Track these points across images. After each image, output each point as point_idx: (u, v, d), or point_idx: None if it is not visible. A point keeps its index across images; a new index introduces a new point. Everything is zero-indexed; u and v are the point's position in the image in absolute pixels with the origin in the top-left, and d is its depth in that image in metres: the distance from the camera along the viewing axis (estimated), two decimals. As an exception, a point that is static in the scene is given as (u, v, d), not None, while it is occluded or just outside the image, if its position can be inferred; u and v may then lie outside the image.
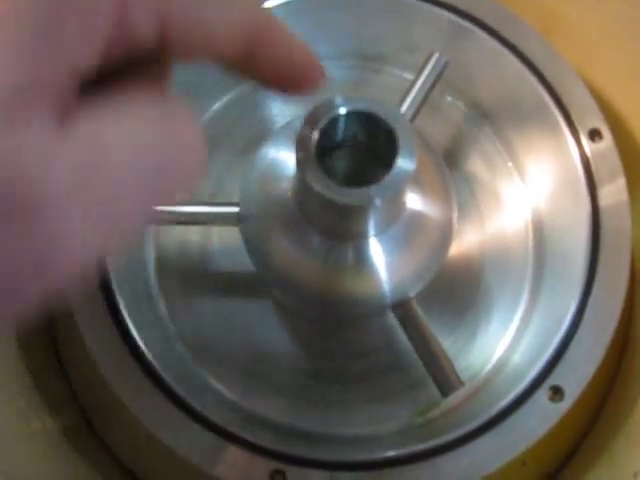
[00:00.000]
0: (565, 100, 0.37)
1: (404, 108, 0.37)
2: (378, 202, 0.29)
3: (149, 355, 0.34)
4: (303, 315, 0.38)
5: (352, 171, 0.33)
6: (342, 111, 0.29)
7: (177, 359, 0.38)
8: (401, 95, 0.38)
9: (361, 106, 0.29)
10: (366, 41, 0.41)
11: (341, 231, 0.32)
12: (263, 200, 0.34)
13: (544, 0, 0.43)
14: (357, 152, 0.32)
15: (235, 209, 0.35)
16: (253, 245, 0.35)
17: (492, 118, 0.40)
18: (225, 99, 0.42)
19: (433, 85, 0.37)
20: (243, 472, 0.32)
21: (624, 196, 0.36)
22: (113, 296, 0.34)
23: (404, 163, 0.29)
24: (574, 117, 0.37)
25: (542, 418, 0.33)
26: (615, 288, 0.35)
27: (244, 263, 0.39)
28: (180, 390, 0.33)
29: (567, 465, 0.39)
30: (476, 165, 0.40)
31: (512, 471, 0.34)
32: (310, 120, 0.29)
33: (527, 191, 0.40)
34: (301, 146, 0.28)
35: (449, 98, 0.42)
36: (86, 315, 0.34)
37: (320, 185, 0.28)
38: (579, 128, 0.36)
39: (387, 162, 0.29)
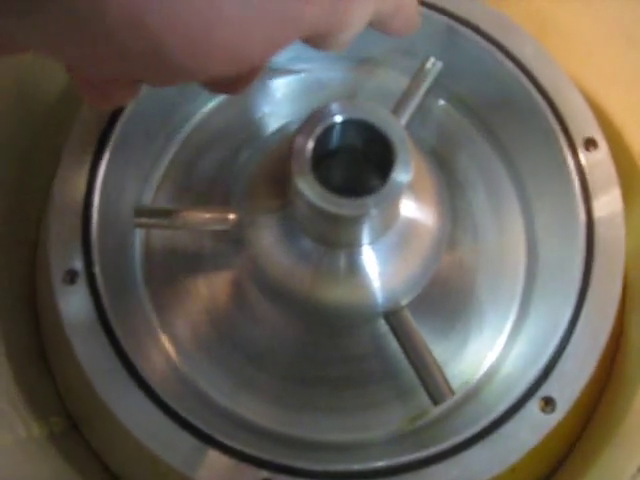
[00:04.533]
0: (561, 108, 0.36)
1: (399, 113, 0.36)
2: (374, 213, 0.28)
3: (137, 360, 0.33)
4: (294, 322, 0.38)
5: (347, 179, 0.32)
6: (338, 119, 0.28)
7: (165, 363, 0.37)
8: (395, 99, 0.37)
9: (357, 114, 0.28)
10: (360, 44, 0.41)
11: (334, 239, 0.32)
12: (256, 205, 0.34)
13: (538, 5, 0.43)
14: (352, 160, 0.31)
15: (227, 213, 0.35)
16: (245, 251, 0.35)
17: (487, 125, 0.40)
18: (218, 99, 0.41)
19: (428, 90, 0.37)
20: (228, 480, 0.32)
21: (619, 206, 0.35)
22: (101, 301, 0.34)
23: (400, 174, 0.28)
24: (570, 126, 0.36)
25: (533, 429, 0.32)
26: (608, 299, 0.34)
27: (235, 268, 0.39)
28: (166, 395, 0.33)
29: (556, 473, 0.39)
30: (471, 172, 0.40)
31: (501, 479, 0.34)
32: (305, 128, 0.28)
33: (522, 199, 0.40)
34: (296, 155, 0.28)
35: (444, 103, 0.41)
36: (74, 322, 0.33)
37: (314, 195, 0.28)
38: (575, 137, 0.36)
39: (383, 170, 0.29)
